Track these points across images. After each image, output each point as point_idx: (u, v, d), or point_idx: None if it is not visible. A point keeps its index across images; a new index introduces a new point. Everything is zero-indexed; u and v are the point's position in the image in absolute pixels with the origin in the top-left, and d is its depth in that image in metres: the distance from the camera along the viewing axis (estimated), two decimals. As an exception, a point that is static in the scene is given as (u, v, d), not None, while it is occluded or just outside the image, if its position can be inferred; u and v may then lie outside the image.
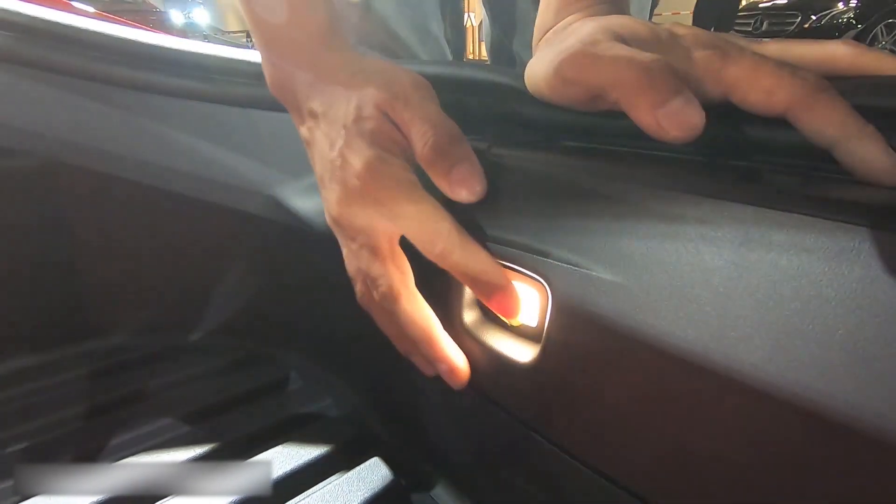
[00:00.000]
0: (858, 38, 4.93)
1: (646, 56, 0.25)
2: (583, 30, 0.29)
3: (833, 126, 0.22)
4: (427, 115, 0.30)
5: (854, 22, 4.98)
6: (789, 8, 5.52)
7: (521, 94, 0.33)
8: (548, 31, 0.34)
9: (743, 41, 0.28)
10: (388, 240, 0.32)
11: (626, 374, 0.24)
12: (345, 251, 0.35)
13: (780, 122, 0.24)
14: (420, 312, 0.33)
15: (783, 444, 0.20)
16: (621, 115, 0.26)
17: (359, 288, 0.35)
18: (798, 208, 0.19)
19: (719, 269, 0.21)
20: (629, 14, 0.33)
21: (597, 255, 0.25)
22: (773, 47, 0.28)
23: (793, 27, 5.28)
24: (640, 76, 0.24)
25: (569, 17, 0.33)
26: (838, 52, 0.26)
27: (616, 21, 0.29)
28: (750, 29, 5.78)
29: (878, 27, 4.98)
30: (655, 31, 0.28)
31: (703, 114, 0.24)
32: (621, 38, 0.28)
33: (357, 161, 0.30)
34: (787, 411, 0.19)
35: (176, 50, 0.46)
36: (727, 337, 0.20)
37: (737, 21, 6.06)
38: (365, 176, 0.30)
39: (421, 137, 0.30)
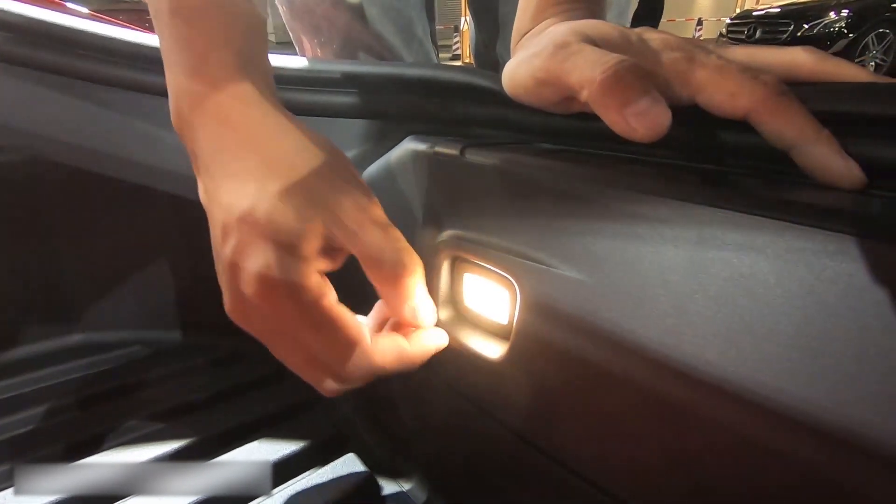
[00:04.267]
0: (850, 47, 4.99)
1: (614, 57, 0.25)
2: (556, 33, 0.30)
3: (791, 129, 0.23)
4: (374, 243, 0.26)
5: (846, 31, 5.03)
6: (782, 17, 5.57)
7: (499, 96, 0.34)
8: (525, 35, 0.35)
9: (710, 46, 0.29)
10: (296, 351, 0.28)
11: (589, 370, 0.25)
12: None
13: (743, 126, 0.25)
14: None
15: (735, 436, 0.20)
16: (592, 117, 0.26)
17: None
18: (750, 209, 0.20)
19: (676, 268, 0.21)
20: (604, 19, 0.33)
21: (563, 254, 0.26)
22: (739, 52, 0.28)
23: (785, 35, 5.34)
24: (608, 76, 0.25)
25: (545, 21, 0.34)
26: (800, 59, 0.27)
27: (588, 24, 0.30)
28: (743, 37, 5.83)
29: (869, 37, 5.04)
30: (626, 35, 0.29)
31: (670, 113, 0.24)
32: (592, 41, 0.29)
33: (252, 268, 0.25)
34: (738, 405, 0.20)
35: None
36: (683, 333, 0.21)
37: (731, 29, 6.12)
38: (260, 293, 0.25)
39: (373, 273, 0.27)
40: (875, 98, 0.23)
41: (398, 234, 0.28)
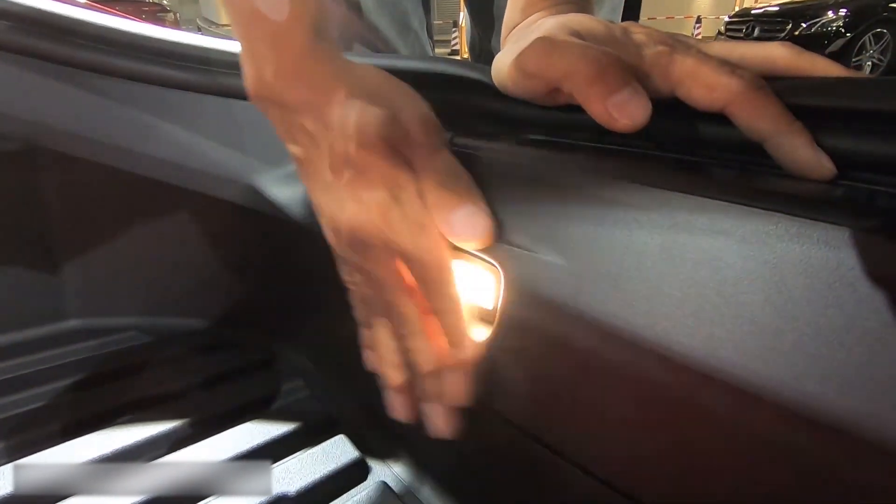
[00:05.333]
0: (847, 46, 5.00)
1: (597, 49, 0.26)
2: (543, 26, 0.31)
3: (765, 122, 0.24)
4: (435, 163, 0.29)
5: (843, 31, 5.05)
6: (780, 15, 5.58)
7: (489, 88, 0.35)
8: (514, 28, 0.35)
9: (692, 41, 0.29)
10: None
11: (569, 352, 0.26)
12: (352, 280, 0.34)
13: (720, 118, 0.26)
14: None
15: (706, 414, 0.21)
16: (577, 109, 0.27)
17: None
18: (718, 195, 0.21)
19: (649, 252, 0.22)
20: (593, 14, 0.34)
21: (544, 240, 0.27)
22: (718, 47, 0.29)
23: (783, 34, 5.34)
24: (591, 68, 0.26)
25: (534, 15, 0.34)
26: (777, 54, 0.28)
27: (574, 19, 0.31)
28: (742, 35, 5.84)
29: (867, 36, 5.05)
30: (610, 29, 0.30)
31: (650, 104, 0.25)
32: (578, 35, 0.29)
33: (369, 198, 0.29)
34: (707, 384, 0.21)
35: (158, 39, 0.47)
36: (655, 315, 0.22)
37: (730, 27, 6.13)
38: (378, 216, 0.29)
39: (427, 182, 0.29)
40: (847, 92, 0.24)
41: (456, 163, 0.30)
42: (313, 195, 0.32)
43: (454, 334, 0.31)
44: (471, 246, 0.30)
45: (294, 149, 0.32)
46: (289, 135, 0.31)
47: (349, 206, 0.30)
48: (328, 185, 0.31)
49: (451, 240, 0.30)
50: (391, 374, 0.34)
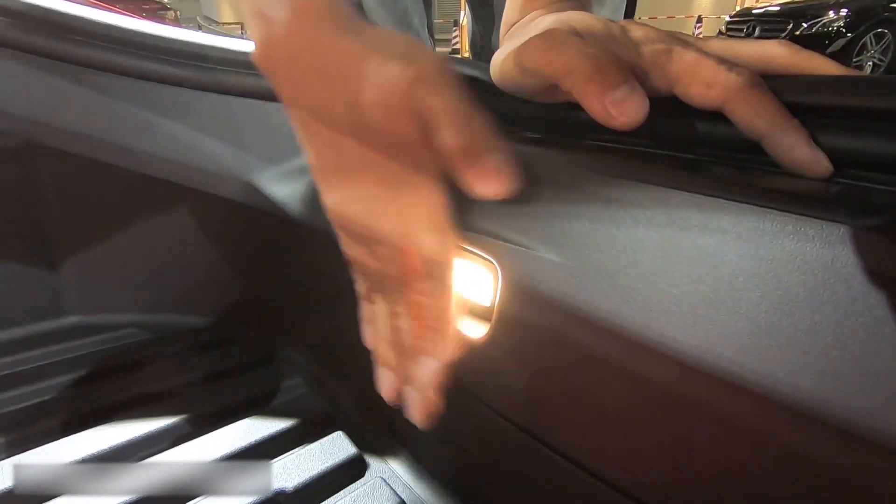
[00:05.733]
0: (848, 46, 5.00)
1: (595, 47, 0.26)
2: (542, 24, 0.31)
3: (763, 119, 0.24)
4: (456, 104, 0.28)
5: (844, 31, 5.04)
6: (781, 15, 5.58)
7: (488, 86, 0.35)
8: (513, 26, 0.35)
9: (690, 38, 0.29)
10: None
11: (566, 349, 0.26)
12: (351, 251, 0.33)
13: (718, 116, 0.26)
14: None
15: (701, 409, 0.21)
16: (575, 107, 0.27)
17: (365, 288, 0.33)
18: (715, 192, 0.21)
19: (646, 249, 0.22)
20: (592, 12, 0.34)
21: (542, 237, 0.27)
22: (716, 45, 0.29)
23: (784, 34, 5.34)
24: (589, 65, 0.26)
25: (532, 13, 0.35)
26: (774, 52, 0.28)
27: (573, 16, 0.31)
28: (743, 34, 5.83)
29: (868, 37, 5.05)
30: (609, 27, 0.30)
31: (647, 102, 0.25)
32: (577, 33, 0.30)
33: (369, 155, 0.28)
34: (703, 380, 0.21)
35: (157, 36, 0.47)
36: (652, 311, 0.22)
37: (731, 27, 6.13)
38: (375, 175, 0.29)
39: (449, 128, 0.27)
40: (844, 91, 0.24)
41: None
42: (322, 178, 0.31)
43: (439, 320, 0.31)
44: (496, 196, 0.28)
45: (298, 113, 0.30)
46: (294, 97, 0.29)
47: (364, 203, 0.29)
48: (343, 164, 0.29)
49: (475, 190, 0.28)
50: (382, 349, 0.34)
